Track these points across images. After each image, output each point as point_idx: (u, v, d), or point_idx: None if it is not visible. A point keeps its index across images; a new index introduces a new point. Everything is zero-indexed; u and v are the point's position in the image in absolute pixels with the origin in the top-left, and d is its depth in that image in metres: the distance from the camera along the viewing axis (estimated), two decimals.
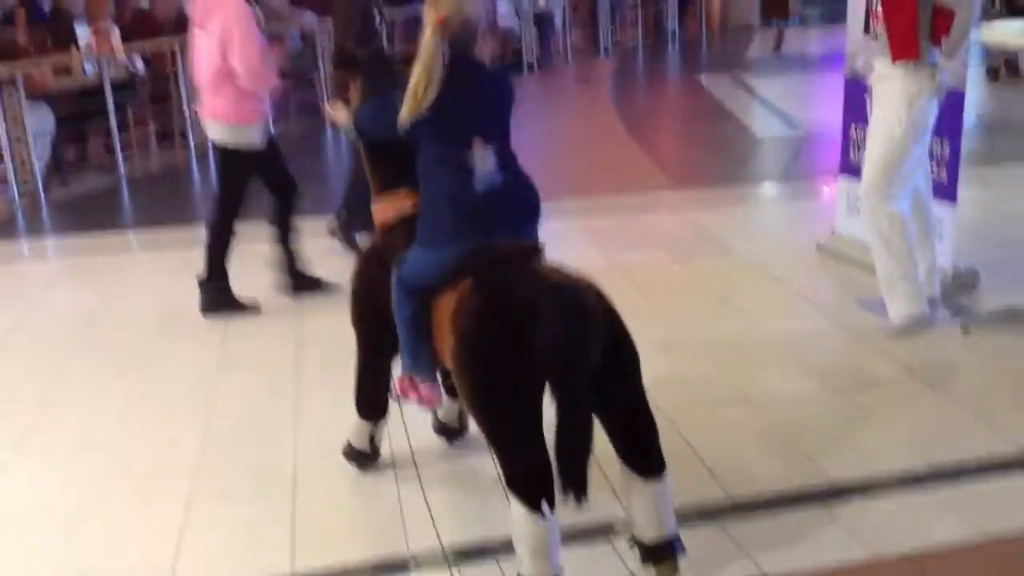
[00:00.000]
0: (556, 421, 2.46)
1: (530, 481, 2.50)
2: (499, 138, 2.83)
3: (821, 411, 3.68)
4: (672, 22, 15.70)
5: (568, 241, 5.98)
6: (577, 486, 2.45)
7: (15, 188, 7.23)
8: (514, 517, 2.52)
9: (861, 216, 4.60)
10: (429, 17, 2.77)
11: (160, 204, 7.60)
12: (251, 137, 4.83)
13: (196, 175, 8.62)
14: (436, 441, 3.52)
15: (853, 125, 5.23)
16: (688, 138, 9.18)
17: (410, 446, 3.52)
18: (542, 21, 13.81)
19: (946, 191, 4.70)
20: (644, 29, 15.57)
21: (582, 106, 11.58)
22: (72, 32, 7.88)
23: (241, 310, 4.95)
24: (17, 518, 3.23)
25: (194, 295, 5.02)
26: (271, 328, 4.82)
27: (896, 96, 4.24)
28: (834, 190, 5.65)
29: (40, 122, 7.38)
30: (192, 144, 8.81)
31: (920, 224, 4.49)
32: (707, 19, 16.49)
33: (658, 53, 15.01)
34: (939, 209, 4.70)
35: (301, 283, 5.14)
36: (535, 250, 2.79)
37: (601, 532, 2.93)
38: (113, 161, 8.14)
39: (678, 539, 2.68)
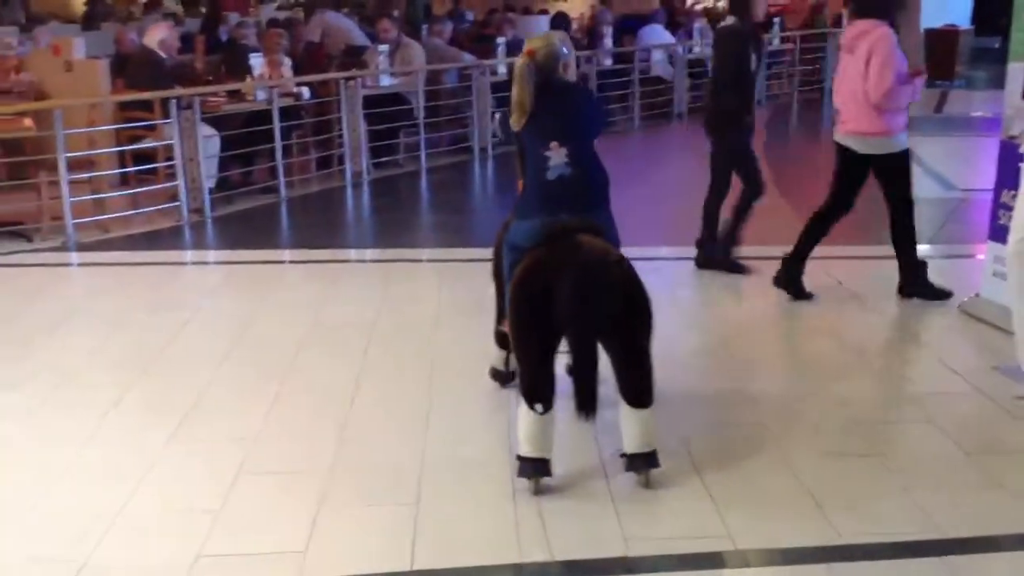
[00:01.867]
0: (571, 359, 3.44)
1: (530, 391, 3.47)
2: (574, 140, 3.70)
3: (949, 470, 3.65)
4: (829, 78, 15.50)
5: (711, 281, 6.07)
6: (585, 407, 3.41)
7: (185, 205, 7.71)
8: (519, 413, 3.52)
9: (1007, 281, 4.52)
10: (524, 49, 3.83)
11: (315, 227, 8.03)
12: (891, 147, 5.35)
13: (350, 201, 9.00)
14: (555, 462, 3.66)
15: (1005, 190, 5.15)
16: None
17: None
18: (695, 70, 13.87)
19: None
20: (800, 82, 15.43)
21: None
22: (247, 61, 8.38)
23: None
24: (165, 503, 3.51)
25: (338, 308, 5.31)
26: (408, 343, 5.06)
27: None
28: (982, 254, 5.55)
29: (210, 144, 7.85)
30: (349, 172, 9.20)
31: None
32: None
33: (812, 107, 14.84)
34: None
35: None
36: (588, 227, 3.52)
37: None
38: (275, 183, 8.58)
39: (654, 455, 3.53)
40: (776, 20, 14.97)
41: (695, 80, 13.82)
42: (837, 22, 15.65)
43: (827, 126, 14.10)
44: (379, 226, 8.34)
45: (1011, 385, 4.35)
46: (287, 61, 8.65)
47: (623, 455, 3.59)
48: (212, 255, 7.34)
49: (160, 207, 7.77)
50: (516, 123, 3.78)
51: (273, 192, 8.57)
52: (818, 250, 6.50)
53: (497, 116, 8.84)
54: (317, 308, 5.65)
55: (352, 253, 7.37)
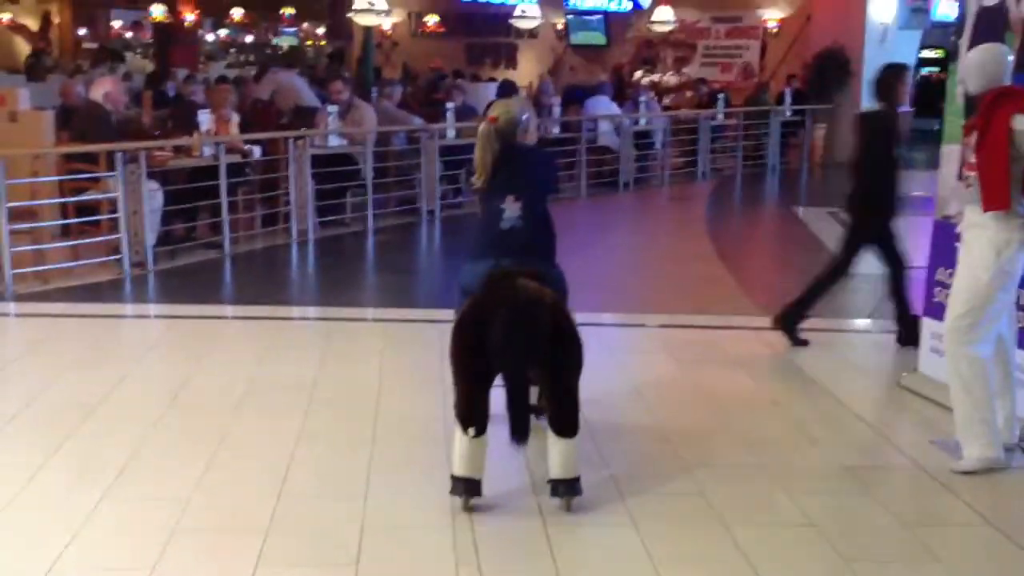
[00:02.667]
0: (505, 392, 3.73)
1: (464, 416, 3.78)
2: (528, 195, 4.12)
3: (886, 542, 3.67)
4: (773, 153, 15.86)
5: (646, 353, 6.11)
6: (517, 434, 3.74)
7: (127, 258, 7.61)
8: (455, 436, 3.82)
9: (944, 357, 4.60)
10: (488, 116, 4.25)
11: (257, 283, 7.97)
12: None
13: (295, 259, 8.96)
14: (495, 532, 3.61)
15: (940, 268, 5.27)
16: (779, 266, 9.25)
17: (474, 536, 3.62)
18: (642, 141, 14.10)
19: None
20: (744, 157, 15.75)
21: (673, 225, 11.80)
22: (194, 117, 8.36)
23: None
24: (93, 566, 3.41)
25: (278, 367, 5.32)
26: (348, 403, 5.02)
27: (985, 244, 4.29)
28: (919, 329, 5.65)
29: (154, 198, 7.79)
30: (295, 230, 9.16)
31: (1002, 371, 4.49)
32: (810, 153, 16.61)
33: (756, 182, 15.14)
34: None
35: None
36: (531, 273, 3.84)
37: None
38: (219, 239, 8.51)
39: (577, 481, 3.82)
40: (720, 96, 15.30)
41: (641, 151, 14.08)
42: (780, 99, 16.06)
43: (771, 198, 14.50)
44: (322, 284, 8.30)
45: (948, 459, 4.40)
46: (235, 117, 8.63)
47: (548, 481, 3.87)
48: (152, 309, 7.26)
49: (101, 260, 7.67)
50: (478, 181, 4.24)
51: (217, 248, 8.49)
52: (756, 320, 6.64)
53: (464, 169, 9.52)
54: (257, 365, 5.59)
55: (294, 311, 7.31)
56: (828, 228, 10.54)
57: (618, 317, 6.85)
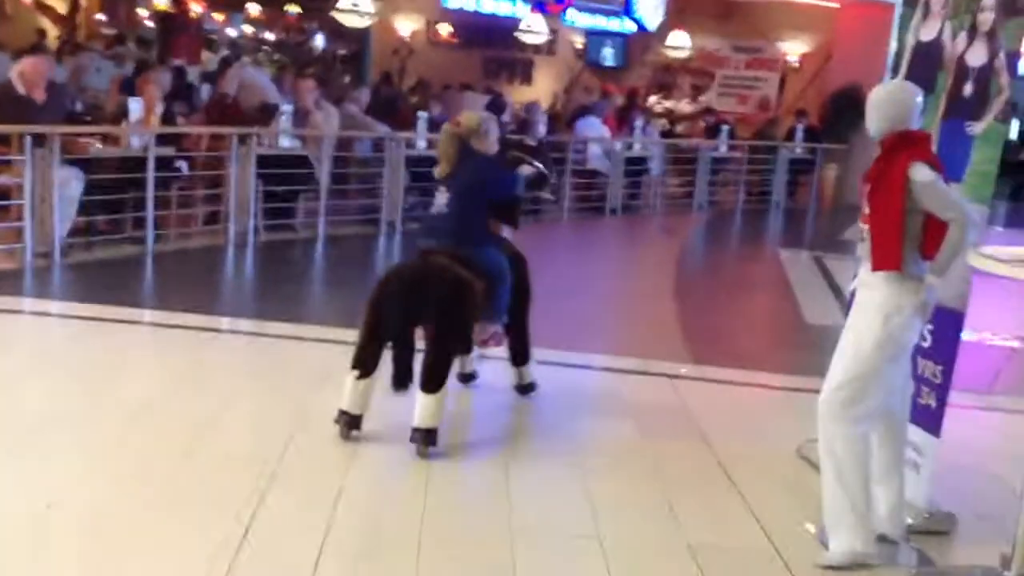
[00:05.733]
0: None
1: (355, 359, 4.47)
2: (457, 190, 4.67)
3: None
4: (778, 191, 15.24)
5: (539, 395, 5.55)
6: (397, 382, 4.50)
7: (29, 248, 7.20)
8: (347, 376, 4.47)
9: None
10: (454, 120, 4.95)
11: (168, 284, 7.53)
12: None
13: (228, 263, 8.52)
14: None
15: None
16: (733, 312, 8.62)
17: None
18: (636, 167, 13.55)
19: (930, 420, 4.13)
20: (748, 193, 15.16)
21: (644, 257, 11.30)
22: (125, 105, 7.96)
23: None
24: None
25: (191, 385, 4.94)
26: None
27: (873, 307, 3.74)
28: None
29: (70, 187, 7.38)
30: (232, 231, 8.73)
31: (890, 453, 3.92)
32: (819, 193, 15.98)
33: (753, 219, 14.55)
34: (921, 438, 4.13)
35: None
36: (441, 251, 4.58)
37: None
38: (141, 234, 8.08)
39: (432, 432, 4.38)
40: (724, 127, 14.74)
41: (633, 178, 13.55)
42: (789, 136, 15.46)
43: (758, 237, 13.89)
44: (240, 291, 7.85)
45: (815, 550, 3.84)
46: (159, 108, 8.19)
47: (413, 429, 4.39)
48: (32, 304, 6.73)
49: (6, 247, 7.27)
50: (440, 173, 4.78)
51: (138, 243, 8.06)
52: (659, 366, 6.12)
53: None
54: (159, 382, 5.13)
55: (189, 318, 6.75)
56: (804, 273, 10.01)
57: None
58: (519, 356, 5.27)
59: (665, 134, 15.43)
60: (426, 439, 4.37)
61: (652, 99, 18.80)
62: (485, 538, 3.79)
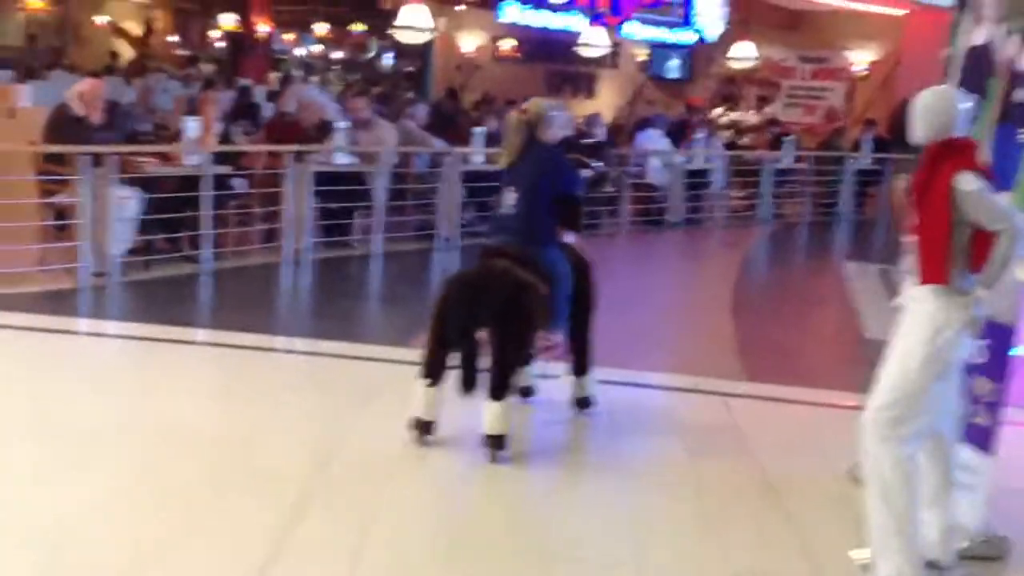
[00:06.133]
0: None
1: (425, 367, 4.53)
2: (524, 188, 4.65)
3: None
4: (845, 202, 14.90)
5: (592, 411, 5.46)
6: (464, 386, 4.55)
7: (87, 268, 7.31)
8: (417, 384, 4.53)
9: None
10: (521, 107, 4.87)
11: (225, 302, 7.58)
12: None
13: (286, 280, 8.56)
14: None
15: None
16: (792, 327, 8.40)
17: None
18: (697, 180, 13.36)
19: (984, 440, 3.95)
20: (815, 205, 14.83)
21: (702, 271, 11.10)
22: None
23: None
24: None
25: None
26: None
27: (921, 323, 3.59)
28: None
29: (127, 206, 7.49)
30: (289, 249, 8.79)
31: (938, 474, 3.76)
32: (889, 204, 15.57)
33: (820, 231, 14.23)
34: (974, 459, 3.96)
35: None
36: (509, 251, 4.57)
37: None
38: (197, 253, 8.17)
39: (500, 439, 4.45)
40: (787, 139, 14.47)
41: (695, 191, 13.36)
42: (856, 147, 15.13)
43: (824, 250, 13.59)
44: (291, 309, 7.87)
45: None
46: (217, 127, 8.29)
47: (483, 435, 4.47)
48: (86, 324, 6.81)
49: (65, 267, 7.38)
50: (502, 163, 4.82)
51: (194, 261, 8.15)
52: (714, 384, 5.99)
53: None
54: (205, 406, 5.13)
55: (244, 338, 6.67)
56: (869, 287, 9.75)
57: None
58: (579, 366, 5.19)
59: (730, 146, 15.23)
60: (496, 444, 4.45)
61: (716, 111, 18.58)
62: (515, 556, 3.72)
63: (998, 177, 3.73)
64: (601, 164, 5.40)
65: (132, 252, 7.83)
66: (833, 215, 14.90)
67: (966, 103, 3.67)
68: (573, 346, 5.14)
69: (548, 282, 4.59)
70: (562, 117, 4.90)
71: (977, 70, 4.32)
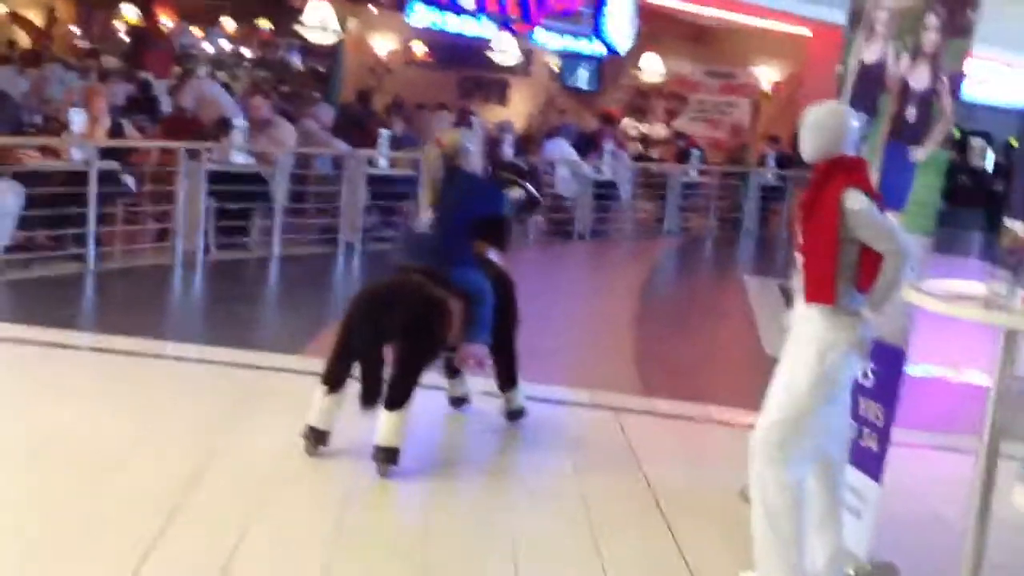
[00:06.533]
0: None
1: (325, 374, 4.43)
2: (443, 212, 4.54)
3: None
4: (749, 217, 15.09)
5: (474, 422, 5.35)
6: (365, 400, 4.37)
7: None
8: (315, 391, 4.41)
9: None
10: (435, 139, 4.75)
11: (102, 305, 7.27)
12: None
13: (174, 283, 8.27)
14: None
15: None
16: (690, 341, 8.41)
17: None
18: (605, 191, 13.37)
19: (872, 464, 3.92)
20: (720, 219, 14.99)
21: (605, 284, 11.07)
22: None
23: None
24: None
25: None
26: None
27: (807, 343, 3.53)
28: None
29: (7, 201, 7.14)
30: (179, 250, 8.49)
31: (827, 500, 3.71)
32: (790, 220, 15.83)
33: (722, 245, 14.39)
34: (862, 484, 3.93)
35: None
36: (419, 270, 4.48)
37: None
38: (83, 251, 7.83)
39: (392, 452, 4.30)
40: (694, 151, 14.60)
41: (603, 201, 13.37)
42: (761, 162, 15.33)
43: (725, 263, 13.73)
44: (175, 312, 7.59)
45: None
46: (106, 121, 7.97)
47: (374, 447, 4.32)
48: None
49: None
50: (428, 201, 4.58)
51: (80, 260, 7.81)
52: (609, 399, 5.92)
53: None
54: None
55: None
56: (768, 302, 9.81)
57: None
58: (505, 381, 5.15)
59: (638, 158, 15.31)
60: (387, 458, 4.31)
61: (625, 122, 18.69)
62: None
63: (888, 195, 3.71)
64: (535, 191, 5.32)
65: (11, 249, 7.45)
66: (737, 229, 15.09)
67: (856, 120, 3.64)
68: (499, 360, 5.11)
69: (462, 299, 4.55)
70: (478, 147, 4.89)
71: (869, 87, 4.31)
